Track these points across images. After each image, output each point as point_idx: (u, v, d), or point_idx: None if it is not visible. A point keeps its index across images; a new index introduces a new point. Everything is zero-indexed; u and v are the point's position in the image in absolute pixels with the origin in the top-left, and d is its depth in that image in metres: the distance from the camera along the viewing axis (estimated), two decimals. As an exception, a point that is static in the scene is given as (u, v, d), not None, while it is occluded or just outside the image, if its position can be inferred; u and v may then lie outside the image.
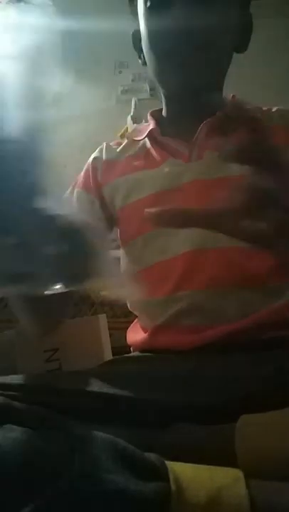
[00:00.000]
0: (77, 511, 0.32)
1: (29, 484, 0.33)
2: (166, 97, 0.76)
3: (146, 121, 0.80)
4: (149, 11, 0.68)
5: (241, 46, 0.73)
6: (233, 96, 0.77)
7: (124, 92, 2.19)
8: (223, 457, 0.39)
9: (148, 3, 0.68)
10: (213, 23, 0.65)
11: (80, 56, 2.13)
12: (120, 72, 2.19)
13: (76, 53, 2.07)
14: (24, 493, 0.32)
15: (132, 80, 2.17)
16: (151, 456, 0.37)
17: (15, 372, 0.56)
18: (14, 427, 0.37)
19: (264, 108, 0.75)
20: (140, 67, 0.76)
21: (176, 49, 0.65)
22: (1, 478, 0.33)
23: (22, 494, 0.32)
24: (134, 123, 2.04)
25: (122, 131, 1.96)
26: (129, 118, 2.11)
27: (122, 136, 1.73)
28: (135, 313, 0.75)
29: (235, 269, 0.63)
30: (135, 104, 2.15)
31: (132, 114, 2.13)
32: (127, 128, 2.02)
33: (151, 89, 2.14)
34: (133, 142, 0.79)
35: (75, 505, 0.32)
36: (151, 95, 2.13)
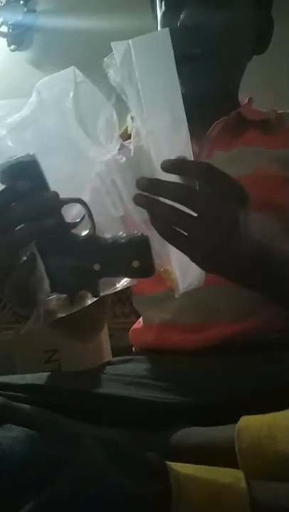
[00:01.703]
0: (77, 511, 0.32)
1: (28, 483, 0.33)
2: None
3: None
4: (164, 15, 0.69)
5: (259, 48, 0.73)
6: (250, 98, 0.76)
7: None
8: (224, 458, 0.39)
9: (163, 8, 0.69)
10: (226, 25, 0.65)
11: (80, 54, 2.13)
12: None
13: (76, 52, 2.07)
14: (23, 492, 0.32)
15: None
16: (152, 456, 0.37)
17: (15, 373, 0.56)
18: (14, 426, 0.37)
19: (279, 111, 0.75)
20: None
21: (188, 51, 0.65)
22: (0, 478, 0.33)
23: (21, 493, 0.32)
24: (133, 122, 2.03)
25: (122, 130, 1.96)
26: (128, 117, 2.11)
27: (123, 136, 1.72)
28: (137, 309, 0.75)
29: None
30: (135, 104, 2.14)
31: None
32: (127, 127, 2.01)
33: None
34: None
35: (75, 505, 0.32)
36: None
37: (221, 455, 0.39)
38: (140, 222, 0.44)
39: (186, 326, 0.64)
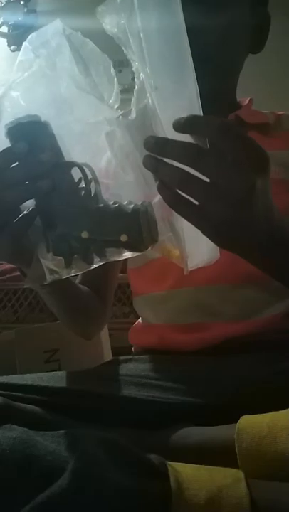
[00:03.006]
0: (77, 511, 0.32)
1: (28, 483, 0.33)
2: None
3: None
4: None
5: (256, 47, 0.71)
6: (250, 99, 0.75)
7: (124, 91, 2.18)
8: (224, 457, 0.39)
9: None
10: (221, 27, 0.64)
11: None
12: (120, 71, 2.17)
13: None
14: (23, 492, 0.32)
15: (132, 79, 2.16)
16: (152, 456, 0.37)
17: (15, 373, 0.56)
18: (14, 426, 0.37)
19: (279, 113, 0.74)
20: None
21: None
22: (0, 478, 0.33)
23: (21, 493, 0.32)
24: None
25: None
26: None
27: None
28: (137, 310, 0.75)
29: (239, 267, 0.62)
30: (135, 104, 2.14)
31: (132, 113, 2.13)
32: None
33: (151, 89, 2.13)
34: None
35: (75, 505, 0.32)
36: (151, 94, 2.12)
37: (221, 455, 0.39)
38: (150, 190, 0.40)
39: (187, 327, 0.64)
